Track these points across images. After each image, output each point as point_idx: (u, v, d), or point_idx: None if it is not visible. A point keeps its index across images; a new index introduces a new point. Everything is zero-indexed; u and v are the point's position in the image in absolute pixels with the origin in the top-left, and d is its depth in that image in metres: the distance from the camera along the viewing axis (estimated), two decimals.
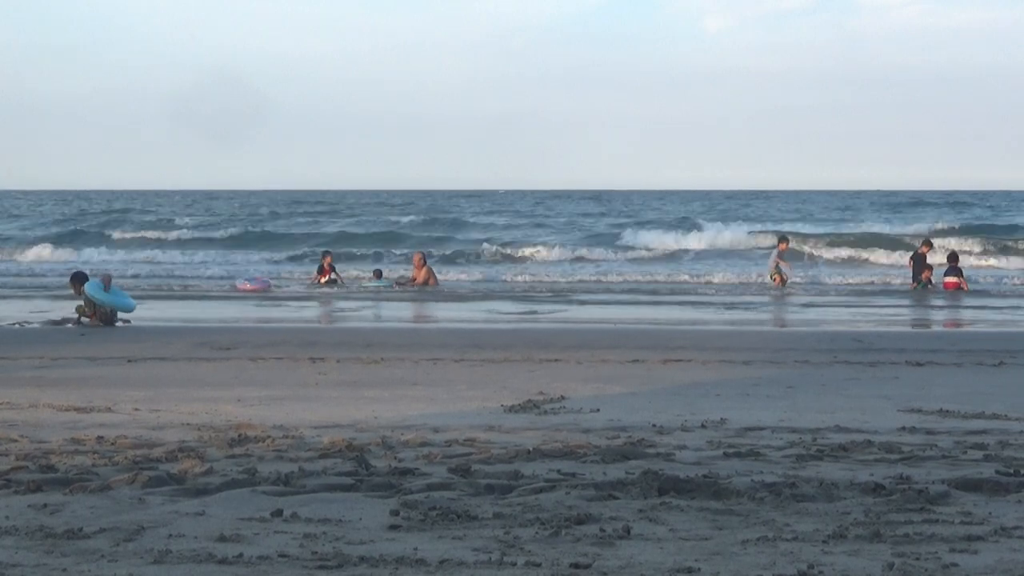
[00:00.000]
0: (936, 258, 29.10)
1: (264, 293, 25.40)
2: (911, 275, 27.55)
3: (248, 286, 26.32)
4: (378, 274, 27.70)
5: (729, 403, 9.96)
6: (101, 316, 17.72)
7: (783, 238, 29.62)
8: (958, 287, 26.48)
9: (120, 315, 18.11)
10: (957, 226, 48.25)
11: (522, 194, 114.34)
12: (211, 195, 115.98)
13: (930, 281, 26.83)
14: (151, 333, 16.54)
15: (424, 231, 51.11)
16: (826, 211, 69.27)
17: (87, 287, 17.95)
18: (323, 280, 27.33)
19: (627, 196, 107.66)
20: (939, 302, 24.40)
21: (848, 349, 14.30)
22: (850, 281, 29.42)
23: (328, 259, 28.17)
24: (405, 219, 58.25)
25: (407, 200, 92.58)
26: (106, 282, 18.18)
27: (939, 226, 47.19)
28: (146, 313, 19.31)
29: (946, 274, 26.85)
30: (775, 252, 28.33)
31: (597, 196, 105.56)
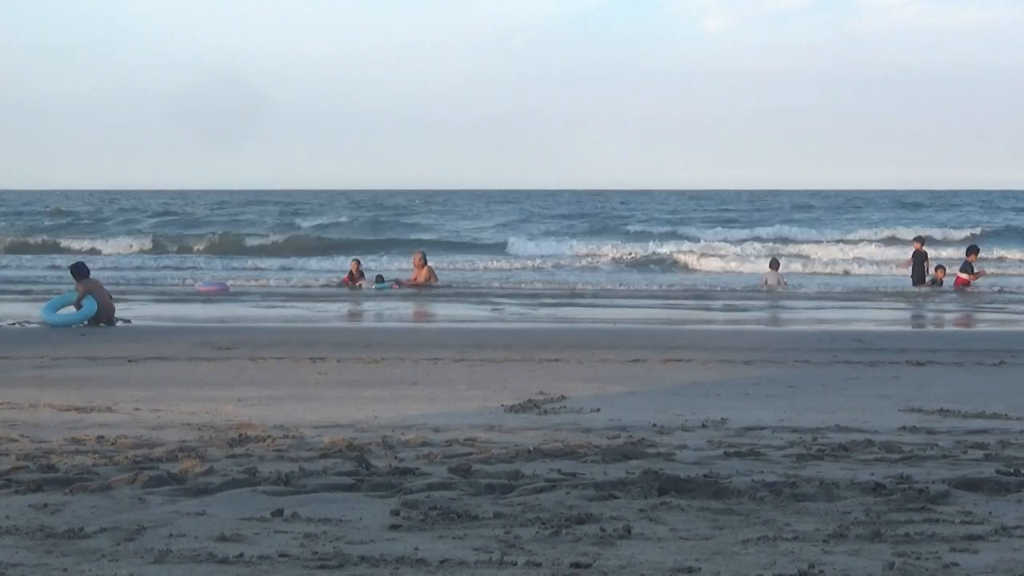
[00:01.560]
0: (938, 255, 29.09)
1: (221, 296, 25.27)
2: (911, 274, 27.46)
3: (203, 288, 26.26)
4: (380, 279, 27.87)
5: (729, 403, 9.96)
6: (101, 316, 17.69)
7: (775, 262, 28.80)
8: (967, 284, 26.30)
9: (120, 315, 18.08)
10: (984, 231, 47.68)
11: (505, 194, 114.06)
12: (206, 195, 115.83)
13: (941, 282, 26.62)
14: (151, 333, 16.54)
15: (314, 234, 49.99)
16: (823, 212, 69.08)
17: (46, 313, 17.75)
18: (356, 283, 27.78)
19: (622, 196, 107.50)
20: (940, 301, 24.35)
21: (848, 349, 14.30)
22: (837, 291, 28.92)
23: (355, 265, 28.53)
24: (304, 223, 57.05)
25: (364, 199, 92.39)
26: (82, 291, 17.89)
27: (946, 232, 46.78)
28: (144, 312, 19.31)
29: (961, 269, 26.69)
30: (770, 275, 27.77)
31: (581, 196, 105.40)
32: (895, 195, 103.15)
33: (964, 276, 26.56)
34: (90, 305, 17.71)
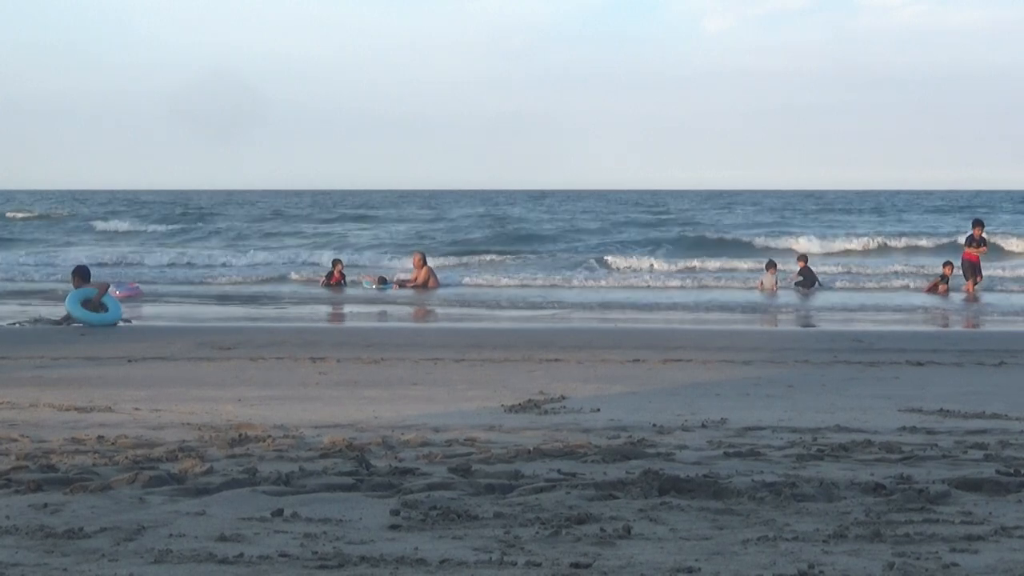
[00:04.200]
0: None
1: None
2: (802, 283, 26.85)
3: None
4: (382, 280, 27.68)
5: (729, 403, 9.96)
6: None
7: (799, 257, 28.37)
8: (976, 260, 25.78)
9: (121, 315, 18.13)
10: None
11: (489, 194, 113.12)
12: (203, 195, 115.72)
13: (947, 279, 26.01)
14: (151, 333, 16.54)
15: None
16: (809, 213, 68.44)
17: (71, 305, 17.87)
18: (334, 281, 27.48)
19: (614, 197, 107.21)
20: (939, 302, 24.30)
21: (848, 349, 14.30)
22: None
23: (339, 266, 28.31)
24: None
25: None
26: (101, 289, 18.13)
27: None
28: (144, 312, 19.30)
29: (967, 244, 26.21)
30: (767, 276, 27.10)
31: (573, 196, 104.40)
32: (881, 196, 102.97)
33: (974, 252, 25.94)
34: (115, 308, 17.95)
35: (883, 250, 40.18)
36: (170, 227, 55.58)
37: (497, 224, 55.57)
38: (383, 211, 73.52)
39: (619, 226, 54.21)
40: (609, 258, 36.21)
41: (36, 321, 18.01)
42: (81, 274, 18.61)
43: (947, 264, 26.92)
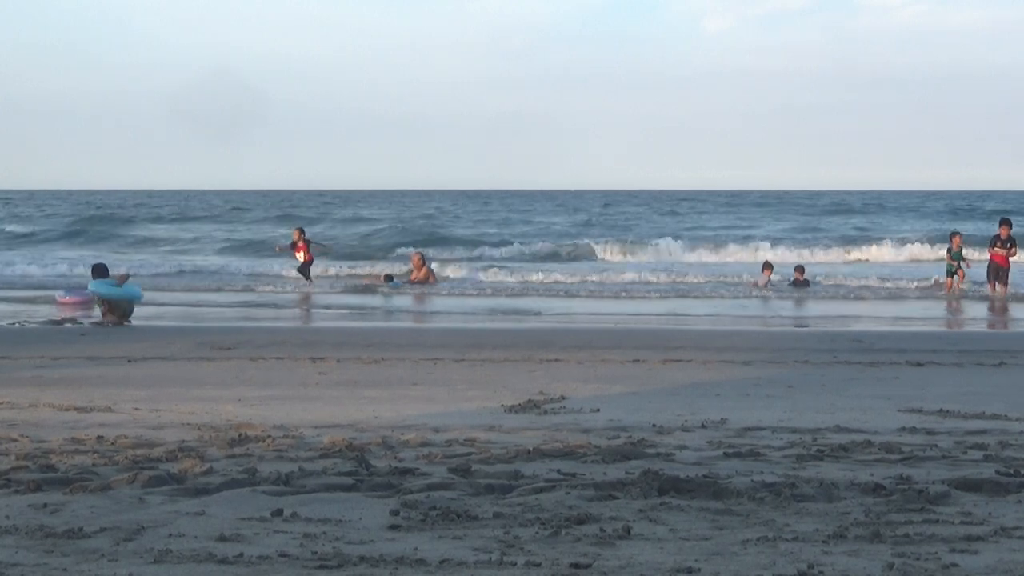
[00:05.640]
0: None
1: (86, 305, 23.64)
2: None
3: (64, 299, 22.76)
4: (389, 277, 27.62)
5: (729, 403, 9.96)
6: (116, 311, 17.94)
7: (768, 265, 27.77)
8: (1004, 262, 24.16)
9: (141, 296, 18.63)
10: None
11: (476, 194, 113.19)
12: (204, 195, 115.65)
13: (948, 283, 25.15)
14: (151, 333, 16.54)
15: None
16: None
17: (95, 285, 18.31)
18: (297, 251, 27.54)
19: (608, 197, 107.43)
20: (944, 303, 24.29)
21: (848, 349, 14.30)
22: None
23: (297, 234, 28.06)
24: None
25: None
26: (121, 280, 18.60)
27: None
28: (143, 312, 19.32)
29: (993, 244, 24.54)
30: (762, 276, 26.84)
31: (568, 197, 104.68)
32: (883, 196, 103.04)
33: (1000, 252, 24.37)
34: (136, 288, 18.75)
35: (831, 259, 38.81)
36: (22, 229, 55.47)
37: (414, 227, 55.13)
38: (317, 210, 73.48)
39: (565, 226, 54.60)
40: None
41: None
42: (99, 272, 19.03)
43: (955, 235, 25.60)
